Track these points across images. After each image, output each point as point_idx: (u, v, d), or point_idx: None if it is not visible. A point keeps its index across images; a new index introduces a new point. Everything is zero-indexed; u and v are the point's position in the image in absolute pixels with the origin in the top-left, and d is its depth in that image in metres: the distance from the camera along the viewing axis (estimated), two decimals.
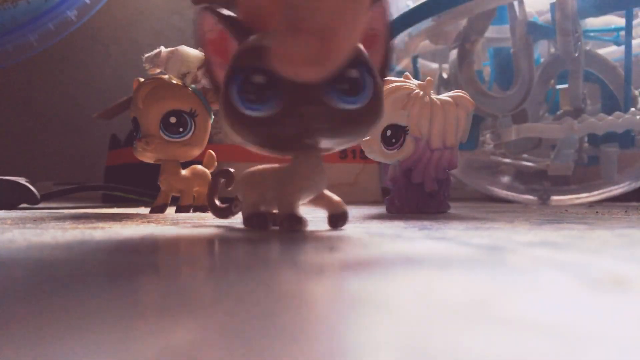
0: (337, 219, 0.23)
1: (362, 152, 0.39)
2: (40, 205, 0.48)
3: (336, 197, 0.24)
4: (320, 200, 0.23)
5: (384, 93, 0.22)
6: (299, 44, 0.18)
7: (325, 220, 0.24)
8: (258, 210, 0.24)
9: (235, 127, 0.21)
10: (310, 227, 0.23)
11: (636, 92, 0.65)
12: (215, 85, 0.22)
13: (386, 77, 0.22)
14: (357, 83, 0.20)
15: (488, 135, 0.67)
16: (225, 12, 0.22)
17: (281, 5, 0.18)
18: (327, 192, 0.23)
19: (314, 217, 0.26)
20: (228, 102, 0.21)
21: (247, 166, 0.26)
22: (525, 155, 0.69)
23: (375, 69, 0.21)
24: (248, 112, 0.20)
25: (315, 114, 0.20)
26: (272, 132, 0.21)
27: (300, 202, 0.23)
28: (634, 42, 0.64)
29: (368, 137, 0.37)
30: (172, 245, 0.18)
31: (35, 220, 0.28)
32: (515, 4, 0.62)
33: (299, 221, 0.22)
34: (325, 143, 0.21)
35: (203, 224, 0.27)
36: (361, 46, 0.21)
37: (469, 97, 0.38)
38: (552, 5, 0.62)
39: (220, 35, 0.22)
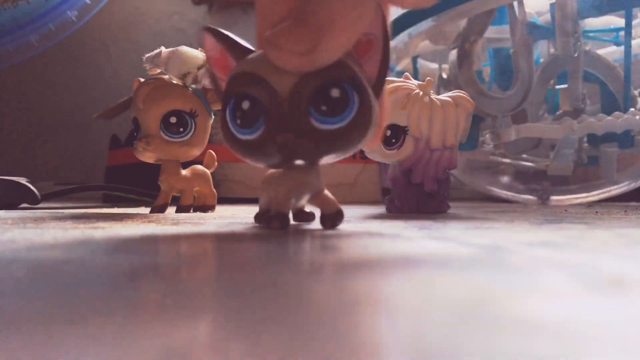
0: (330, 218, 0.24)
1: (362, 152, 0.39)
2: (41, 205, 0.48)
3: (331, 197, 0.24)
4: (315, 199, 0.23)
5: (376, 101, 0.21)
6: (295, 33, 0.19)
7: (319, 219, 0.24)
8: (268, 209, 0.24)
9: (232, 148, 0.22)
10: (309, 227, 0.23)
11: (635, 92, 0.65)
12: (222, 98, 0.23)
13: (382, 83, 0.22)
14: (339, 102, 0.20)
15: (488, 136, 0.67)
16: (223, 32, 0.23)
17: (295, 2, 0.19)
18: (325, 192, 0.23)
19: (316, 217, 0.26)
20: (224, 124, 0.22)
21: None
22: (524, 156, 0.69)
23: (364, 81, 0.21)
24: (239, 136, 0.21)
25: (296, 139, 0.20)
26: (261, 154, 0.21)
27: (296, 202, 0.23)
28: (634, 42, 0.64)
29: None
30: (173, 245, 0.18)
31: (35, 220, 0.28)
32: (515, 4, 0.62)
33: (281, 220, 0.22)
34: (314, 160, 0.22)
35: (203, 223, 0.27)
36: (349, 61, 0.21)
37: (468, 98, 0.38)
38: (552, 5, 0.62)
39: (221, 53, 0.23)
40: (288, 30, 0.19)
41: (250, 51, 0.22)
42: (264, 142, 0.21)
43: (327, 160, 0.22)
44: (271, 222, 0.23)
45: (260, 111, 0.21)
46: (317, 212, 0.24)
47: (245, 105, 0.21)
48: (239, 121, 0.21)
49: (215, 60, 0.24)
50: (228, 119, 0.22)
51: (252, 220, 0.24)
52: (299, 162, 0.22)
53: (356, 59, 0.21)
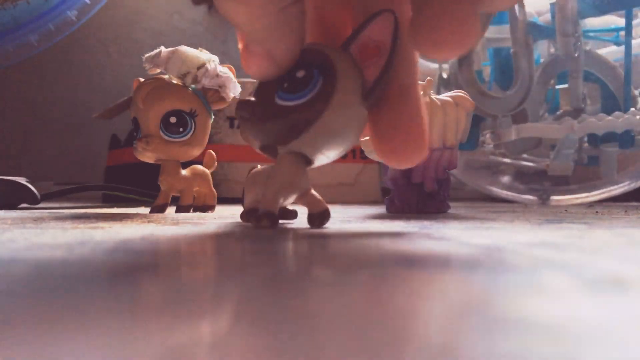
0: (318, 217, 0.24)
1: (362, 152, 0.39)
2: (41, 205, 0.48)
3: (318, 196, 0.24)
4: (301, 199, 0.24)
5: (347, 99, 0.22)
6: (253, 61, 0.21)
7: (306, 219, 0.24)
8: (255, 207, 0.24)
9: None
10: (308, 228, 0.23)
11: (636, 92, 0.65)
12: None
13: (378, 89, 0.21)
14: (301, 82, 0.21)
15: (488, 135, 0.67)
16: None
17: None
18: (312, 191, 0.24)
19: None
20: None
21: (246, 166, 0.26)
22: (525, 155, 0.69)
23: (340, 72, 0.21)
24: None
25: (252, 115, 0.22)
26: (244, 137, 0.23)
27: (284, 202, 0.23)
28: (634, 42, 0.64)
29: (367, 137, 0.37)
30: (173, 245, 0.18)
31: (35, 220, 0.28)
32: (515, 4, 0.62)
33: (271, 220, 0.23)
34: (278, 139, 0.22)
35: (203, 223, 0.27)
36: (331, 51, 0.22)
37: (468, 97, 0.38)
38: (552, 5, 0.62)
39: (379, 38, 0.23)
40: (246, 60, 0.21)
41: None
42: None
43: (297, 146, 0.22)
44: (260, 221, 0.23)
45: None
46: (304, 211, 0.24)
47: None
48: None
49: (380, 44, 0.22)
50: None
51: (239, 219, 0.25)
52: (280, 150, 0.23)
53: (355, 60, 0.22)
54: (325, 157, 0.23)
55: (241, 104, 0.22)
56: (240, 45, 0.21)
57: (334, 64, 0.21)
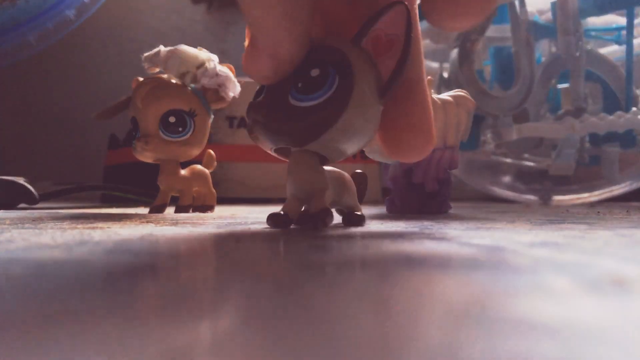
0: (315, 220, 0.23)
1: (362, 152, 0.39)
2: (39, 205, 0.48)
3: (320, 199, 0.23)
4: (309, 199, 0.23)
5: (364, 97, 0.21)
6: (257, 61, 0.21)
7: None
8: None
9: None
10: (306, 227, 0.23)
11: (637, 92, 0.65)
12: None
13: (393, 83, 0.21)
14: (316, 81, 0.20)
15: (489, 135, 0.67)
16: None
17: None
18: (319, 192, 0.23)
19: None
20: None
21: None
22: (526, 155, 0.69)
23: (357, 70, 0.21)
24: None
25: (273, 109, 0.21)
26: (253, 138, 0.22)
27: (296, 199, 0.23)
28: (635, 41, 0.63)
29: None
30: (172, 246, 0.18)
31: (34, 220, 0.28)
32: (516, 3, 0.62)
33: (328, 216, 0.23)
34: (293, 141, 0.21)
35: (202, 223, 0.27)
36: (346, 47, 0.21)
37: (469, 97, 0.38)
38: (553, 4, 0.62)
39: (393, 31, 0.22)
40: (248, 59, 0.21)
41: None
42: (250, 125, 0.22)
43: (315, 147, 0.22)
44: (323, 220, 0.23)
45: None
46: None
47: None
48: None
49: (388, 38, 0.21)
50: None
51: (265, 219, 0.24)
52: (293, 149, 0.22)
53: (369, 56, 0.21)
54: (342, 156, 0.23)
55: (254, 106, 0.21)
56: (246, 43, 0.21)
57: (350, 62, 0.21)
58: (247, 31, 0.21)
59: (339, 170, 0.26)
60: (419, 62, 0.21)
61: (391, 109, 0.21)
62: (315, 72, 0.20)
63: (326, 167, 0.24)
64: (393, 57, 0.21)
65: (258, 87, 0.22)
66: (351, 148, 0.22)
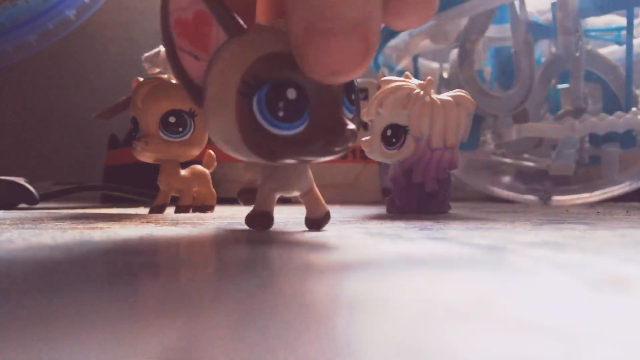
0: (313, 224, 0.23)
1: (362, 152, 0.39)
2: (39, 205, 0.48)
3: (319, 198, 0.23)
4: (303, 197, 0.23)
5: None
6: (337, 46, 0.15)
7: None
8: (254, 188, 0.23)
9: (262, 146, 0.18)
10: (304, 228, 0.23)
11: (637, 92, 0.65)
12: (181, 75, 0.19)
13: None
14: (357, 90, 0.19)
15: (489, 135, 0.67)
16: None
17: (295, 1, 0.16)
18: (314, 191, 0.23)
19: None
20: (246, 116, 0.18)
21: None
22: (526, 155, 0.69)
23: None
24: (275, 131, 0.18)
25: (339, 125, 0.18)
26: (305, 152, 0.19)
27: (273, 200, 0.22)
28: (635, 41, 0.63)
29: (368, 137, 0.37)
30: (172, 246, 0.18)
31: (34, 221, 0.28)
32: (516, 3, 0.62)
33: (265, 220, 0.22)
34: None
35: (202, 224, 0.27)
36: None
37: (469, 97, 0.38)
38: (553, 4, 0.62)
39: (198, 19, 0.19)
40: (328, 44, 0.15)
41: (240, 26, 0.19)
42: (310, 138, 0.18)
43: (341, 151, 0.20)
44: (254, 222, 0.22)
45: (306, 102, 0.18)
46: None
47: (292, 94, 0.18)
48: (281, 113, 0.18)
49: (182, 24, 0.19)
50: (258, 111, 0.18)
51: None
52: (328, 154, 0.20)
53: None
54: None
55: (340, 137, 0.18)
56: (305, 40, 0.16)
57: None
58: (301, 22, 0.16)
59: None
60: None
61: None
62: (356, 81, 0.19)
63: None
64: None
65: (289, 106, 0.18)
66: None
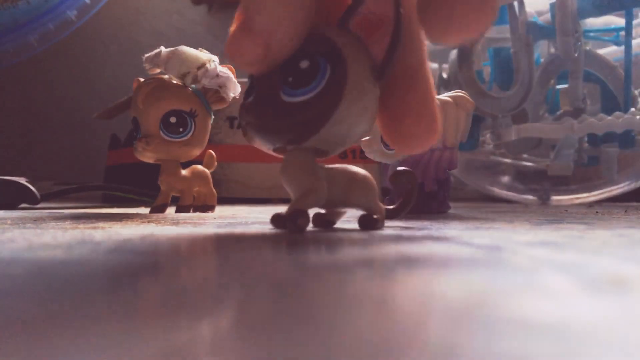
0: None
1: (362, 152, 0.39)
2: (41, 205, 0.48)
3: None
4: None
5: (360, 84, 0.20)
6: (246, 45, 0.19)
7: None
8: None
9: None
10: (309, 227, 0.23)
11: (636, 92, 0.65)
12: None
13: (387, 66, 0.20)
14: (306, 74, 0.19)
15: (488, 136, 0.67)
16: None
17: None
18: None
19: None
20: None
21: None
22: (525, 156, 0.69)
23: (349, 56, 0.19)
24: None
25: (266, 109, 0.20)
26: (248, 138, 0.21)
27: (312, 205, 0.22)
28: (634, 42, 0.64)
29: (368, 137, 0.37)
30: (173, 245, 0.18)
31: (35, 220, 0.28)
32: (515, 4, 0.62)
33: (301, 218, 0.21)
34: (290, 139, 0.20)
35: (203, 224, 0.27)
36: (336, 34, 0.20)
37: (468, 97, 0.38)
38: (552, 5, 0.62)
39: None
40: (235, 42, 0.19)
41: None
42: (245, 112, 0.21)
43: (314, 143, 0.20)
44: (293, 220, 0.21)
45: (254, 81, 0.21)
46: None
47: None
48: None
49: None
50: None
51: (265, 219, 0.23)
52: (289, 147, 0.21)
53: (359, 39, 0.20)
54: (343, 146, 0.21)
55: (245, 107, 0.20)
56: (233, 27, 0.19)
57: (340, 48, 0.19)
58: (237, 14, 0.19)
59: (346, 166, 0.24)
60: (418, 46, 0.20)
61: (392, 98, 0.20)
62: (304, 64, 0.19)
63: (332, 165, 0.23)
64: (385, 36, 0.19)
65: (247, 87, 0.21)
66: (351, 138, 0.21)
